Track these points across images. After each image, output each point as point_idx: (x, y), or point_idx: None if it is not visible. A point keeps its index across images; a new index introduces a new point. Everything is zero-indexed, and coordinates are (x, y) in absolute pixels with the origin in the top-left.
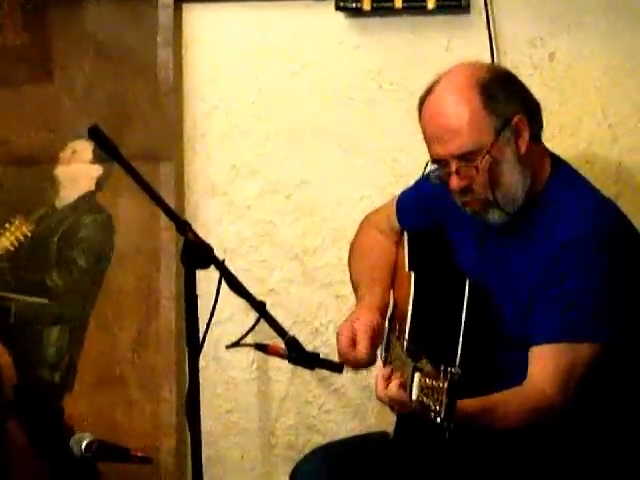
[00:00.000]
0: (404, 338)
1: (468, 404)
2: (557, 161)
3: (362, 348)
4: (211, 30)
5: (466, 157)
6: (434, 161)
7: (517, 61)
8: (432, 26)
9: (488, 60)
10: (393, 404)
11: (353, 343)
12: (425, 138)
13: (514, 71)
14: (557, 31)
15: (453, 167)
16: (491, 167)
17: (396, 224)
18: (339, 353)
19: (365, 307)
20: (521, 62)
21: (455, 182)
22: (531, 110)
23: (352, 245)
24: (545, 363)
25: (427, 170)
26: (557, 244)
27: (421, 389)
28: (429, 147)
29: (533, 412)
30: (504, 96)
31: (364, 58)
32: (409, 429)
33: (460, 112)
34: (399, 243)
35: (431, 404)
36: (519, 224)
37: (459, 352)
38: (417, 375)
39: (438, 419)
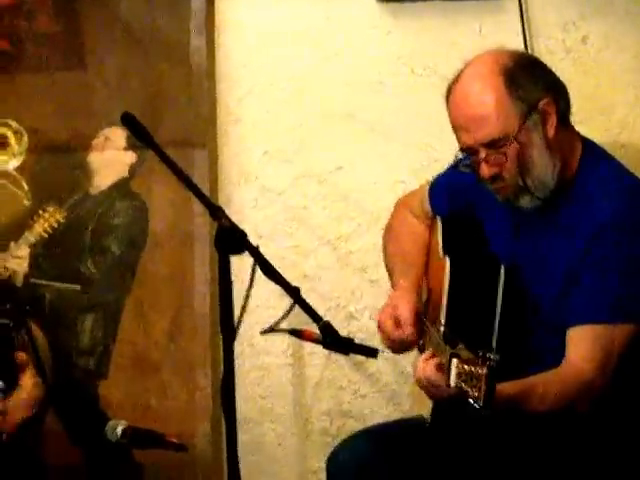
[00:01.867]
0: (440, 324)
1: (506, 387)
2: (589, 144)
3: (406, 328)
4: (244, 15)
5: (494, 144)
6: (463, 150)
7: (549, 45)
8: (464, 10)
9: (520, 45)
10: (431, 388)
11: (397, 324)
12: (453, 127)
13: (546, 55)
14: (589, 15)
15: (482, 155)
16: (519, 153)
17: (429, 208)
18: (383, 337)
19: (402, 290)
20: (553, 46)
21: (485, 170)
22: (558, 94)
23: (386, 229)
24: (584, 344)
25: (456, 159)
26: (593, 227)
27: (459, 375)
28: (457, 136)
29: (572, 393)
30: (529, 81)
31: (396, 43)
32: (445, 414)
33: (485, 99)
34: (432, 227)
35: (470, 390)
36: (552, 208)
37: (495, 337)
38: (455, 361)
39: (477, 406)
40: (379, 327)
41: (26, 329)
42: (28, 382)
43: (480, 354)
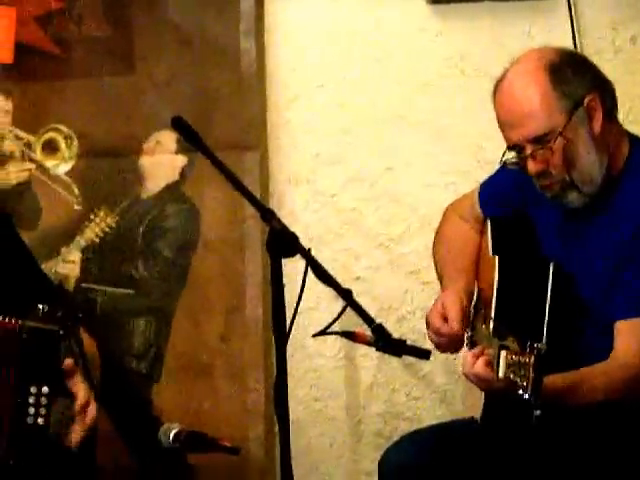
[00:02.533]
0: (490, 319)
1: (554, 380)
2: (636, 142)
3: (453, 325)
4: (293, 18)
5: (540, 140)
6: (510, 147)
7: (598, 46)
8: (514, 11)
9: (569, 45)
10: (479, 382)
11: (444, 319)
12: (499, 124)
13: (595, 56)
14: (638, 15)
15: (528, 151)
16: (566, 149)
17: (479, 212)
18: (431, 334)
19: (451, 292)
20: (602, 46)
21: (532, 166)
22: (604, 90)
23: (436, 234)
24: (630, 338)
25: (504, 157)
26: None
27: (507, 366)
28: (504, 133)
29: (619, 387)
30: (574, 77)
31: (446, 44)
32: (496, 414)
33: (531, 96)
34: (483, 232)
35: (518, 380)
36: (599, 205)
37: (544, 335)
38: (503, 352)
39: (525, 395)
40: (427, 324)
41: (75, 336)
42: (82, 392)
43: (528, 344)
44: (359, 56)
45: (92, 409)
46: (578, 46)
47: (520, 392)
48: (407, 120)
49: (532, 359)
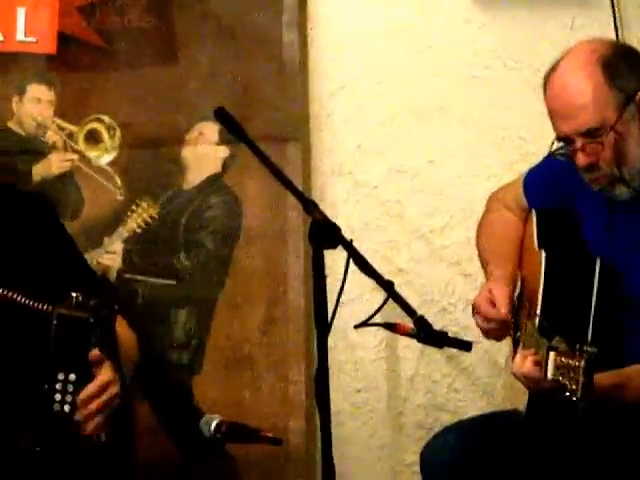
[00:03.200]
0: (536, 316)
1: (601, 378)
2: None
3: (502, 307)
4: (336, 9)
5: (591, 133)
6: (559, 139)
7: None
8: (556, 4)
9: (612, 38)
10: (528, 382)
11: (492, 305)
12: (550, 116)
13: (638, 49)
14: None
15: (578, 144)
16: (616, 143)
17: (523, 202)
18: (478, 320)
19: (496, 280)
20: None
21: (581, 159)
22: None
23: (479, 224)
24: None
25: (553, 148)
26: None
27: (556, 368)
28: (554, 125)
29: None
30: (627, 72)
31: (489, 37)
32: (541, 407)
33: (583, 89)
34: (526, 220)
35: (567, 383)
36: None
37: (590, 331)
38: (552, 354)
39: (574, 398)
40: (474, 310)
41: (108, 326)
42: (100, 377)
43: (577, 346)
44: (402, 48)
45: (111, 392)
46: (620, 39)
47: (568, 394)
48: (449, 112)
49: (583, 363)
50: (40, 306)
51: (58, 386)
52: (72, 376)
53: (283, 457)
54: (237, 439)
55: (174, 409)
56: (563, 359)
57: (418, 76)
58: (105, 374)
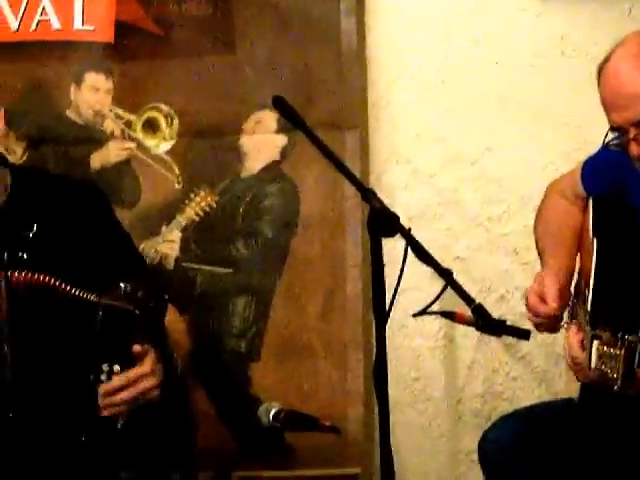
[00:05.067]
0: (586, 305)
1: None
2: None
3: (551, 303)
4: None
5: None
6: (613, 129)
7: None
8: None
9: None
10: (576, 370)
11: (542, 300)
12: (603, 106)
13: None
14: None
15: (631, 134)
16: None
17: (581, 191)
18: (529, 312)
19: (550, 270)
20: None
21: (634, 149)
22: None
23: (538, 212)
24: None
25: (607, 138)
26: None
27: (599, 357)
28: (607, 115)
29: None
30: None
31: (546, 25)
32: (592, 396)
33: (636, 79)
34: (584, 210)
35: (609, 372)
36: None
37: None
38: (595, 343)
39: (615, 387)
40: (526, 304)
41: (155, 318)
42: (134, 369)
43: (619, 335)
44: (459, 36)
45: (144, 385)
46: None
47: (610, 384)
48: (507, 100)
49: (623, 352)
50: (87, 296)
51: (103, 377)
52: (116, 367)
53: (341, 445)
54: (295, 427)
55: (231, 397)
56: (605, 348)
57: (476, 64)
58: (144, 367)
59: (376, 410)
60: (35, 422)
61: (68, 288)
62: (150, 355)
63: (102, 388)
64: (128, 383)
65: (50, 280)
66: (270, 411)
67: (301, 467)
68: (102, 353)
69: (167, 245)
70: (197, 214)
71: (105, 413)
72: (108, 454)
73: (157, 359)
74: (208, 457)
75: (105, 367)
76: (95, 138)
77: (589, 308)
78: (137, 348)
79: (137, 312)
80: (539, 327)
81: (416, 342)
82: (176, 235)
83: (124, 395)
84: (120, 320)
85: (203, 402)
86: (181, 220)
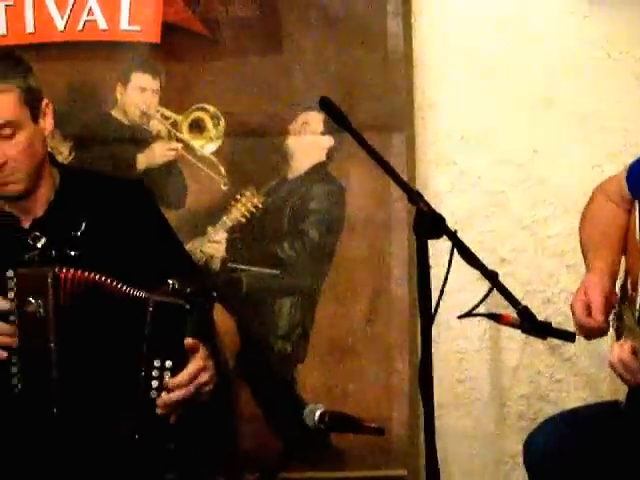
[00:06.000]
0: (636, 308)
1: None
2: None
3: (597, 316)
4: (440, 0)
5: None
6: None
7: None
8: None
9: None
10: (625, 373)
11: (588, 311)
12: None
13: None
14: None
15: None
16: None
17: (627, 193)
18: (575, 322)
19: (595, 274)
20: None
21: None
22: None
23: (583, 214)
24: None
25: None
26: None
27: None
28: None
29: None
30: None
31: (593, 28)
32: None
33: None
34: (630, 212)
35: None
36: None
37: None
38: None
39: None
40: (572, 312)
41: (205, 314)
42: (192, 365)
43: None
44: (505, 39)
45: (200, 380)
46: None
47: None
48: (553, 103)
49: None
50: (137, 293)
51: (155, 373)
52: (168, 363)
53: (386, 447)
54: (340, 429)
55: (276, 398)
56: None
57: (522, 66)
58: (198, 362)
59: (421, 412)
60: (83, 420)
61: (115, 284)
62: (202, 350)
63: (163, 385)
64: (189, 379)
65: (98, 277)
66: (315, 413)
67: (346, 469)
68: (153, 349)
69: (213, 246)
70: (243, 215)
71: (161, 411)
72: (158, 453)
73: (208, 355)
74: (253, 459)
75: (157, 363)
76: (141, 138)
77: (637, 312)
78: (189, 341)
79: (187, 307)
80: (586, 336)
81: (461, 344)
82: (222, 236)
83: (183, 392)
84: (170, 315)
85: (248, 403)
86: (227, 221)
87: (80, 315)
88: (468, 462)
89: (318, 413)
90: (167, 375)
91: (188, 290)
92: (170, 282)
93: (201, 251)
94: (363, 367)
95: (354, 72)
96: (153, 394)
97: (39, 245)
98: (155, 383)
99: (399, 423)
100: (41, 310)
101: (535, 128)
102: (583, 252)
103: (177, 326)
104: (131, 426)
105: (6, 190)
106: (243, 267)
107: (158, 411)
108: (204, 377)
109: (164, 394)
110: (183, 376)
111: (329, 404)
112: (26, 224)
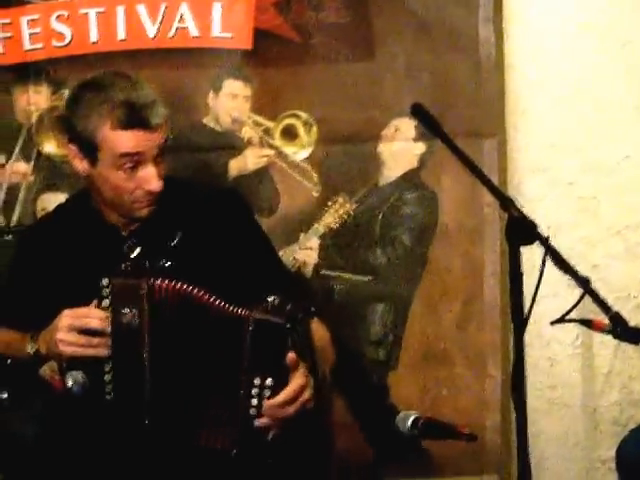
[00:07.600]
0: None
1: None
2: None
3: None
4: (532, 5)
5: None
6: None
7: None
8: None
9: None
10: None
11: None
12: None
13: None
14: None
15: None
16: None
17: None
18: None
19: None
20: None
21: None
22: None
23: None
24: None
25: None
26: None
27: None
28: None
29: None
30: None
31: None
32: None
33: None
34: None
35: None
36: None
37: None
38: None
39: None
40: None
41: (304, 330)
42: (295, 382)
43: None
44: (597, 45)
45: (303, 398)
46: None
47: None
48: None
49: None
50: (237, 311)
51: (254, 391)
52: (269, 381)
53: (478, 453)
54: (433, 435)
55: (370, 406)
56: None
57: (613, 73)
58: (299, 379)
59: (513, 418)
60: (175, 432)
61: (217, 302)
62: (302, 367)
63: (262, 402)
64: (293, 397)
65: (194, 290)
66: (408, 419)
67: (439, 475)
68: (253, 366)
69: (305, 253)
70: (335, 222)
71: (262, 428)
72: (256, 468)
73: (308, 371)
74: (345, 465)
75: (257, 381)
76: (233, 145)
77: None
78: (291, 357)
79: (287, 326)
80: None
81: (553, 350)
82: (314, 243)
83: (288, 410)
84: (270, 334)
85: (341, 410)
86: (319, 228)
87: (174, 327)
88: (560, 468)
89: (411, 419)
90: (267, 393)
91: (288, 307)
92: (269, 299)
93: (293, 258)
94: (456, 373)
95: (446, 78)
96: (252, 411)
97: (133, 255)
98: (255, 401)
99: (492, 429)
100: (135, 320)
101: (626, 134)
102: None
103: (277, 344)
104: (229, 442)
105: (143, 214)
106: (335, 274)
107: (257, 426)
108: (306, 395)
109: (267, 410)
110: (287, 394)
111: (421, 410)
112: (124, 233)
